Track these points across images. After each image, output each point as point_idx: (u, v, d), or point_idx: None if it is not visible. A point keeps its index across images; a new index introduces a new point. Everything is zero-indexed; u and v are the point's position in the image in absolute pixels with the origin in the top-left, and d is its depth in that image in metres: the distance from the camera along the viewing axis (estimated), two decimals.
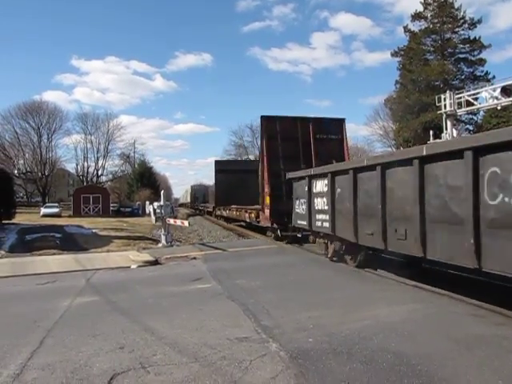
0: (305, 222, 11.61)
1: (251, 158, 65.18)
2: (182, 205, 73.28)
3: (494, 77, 41.78)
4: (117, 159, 70.55)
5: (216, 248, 14.32)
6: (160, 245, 15.67)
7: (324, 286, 8.14)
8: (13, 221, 25.69)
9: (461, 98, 28.16)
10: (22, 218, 29.34)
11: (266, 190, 15.45)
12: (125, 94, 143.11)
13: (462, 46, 44.72)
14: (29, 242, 16.66)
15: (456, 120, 34.35)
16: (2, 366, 4.38)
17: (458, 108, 28.37)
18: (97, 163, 68.75)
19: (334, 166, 10.21)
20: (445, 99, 28.51)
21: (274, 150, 15.60)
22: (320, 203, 10.55)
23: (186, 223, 16.45)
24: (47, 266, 10.94)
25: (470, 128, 44.27)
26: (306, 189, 11.32)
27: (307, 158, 15.22)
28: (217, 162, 32.29)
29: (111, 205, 47.00)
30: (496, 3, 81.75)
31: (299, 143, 15.75)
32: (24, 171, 62.97)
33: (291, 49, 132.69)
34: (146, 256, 12.43)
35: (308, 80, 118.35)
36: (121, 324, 5.79)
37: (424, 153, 6.50)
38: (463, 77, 45.22)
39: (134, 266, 11.02)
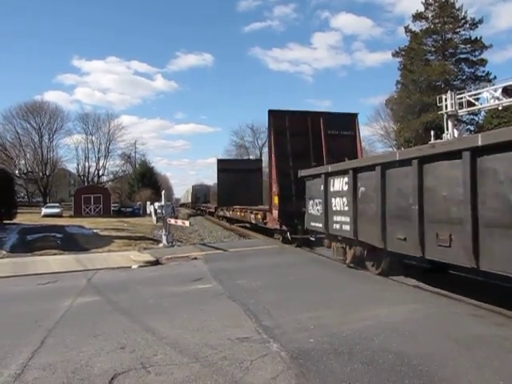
0: (320, 225, 10.59)
1: (252, 158, 65.14)
2: (182, 205, 73.27)
3: (495, 77, 41.78)
4: (118, 159, 70.70)
5: (217, 248, 14.33)
6: (161, 245, 15.68)
7: (325, 286, 8.14)
8: (14, 221, 25.73)
9: (462, 98, 28.13)
10: (23, 218, 29.37)
11: (274, 189, 14.47)
12: (126, 94, 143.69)
13: (463, 46, 44.66)
14: (30, 242, 16.68)
15: (457, 120, 34.33)
16: (3, 365, 4.40)
17: (459, 108, 28.33)
18: (98, 163, 68.88)
19: (357, 161, 9.32)
20: (446, 99, 28.48)
21: (282, 146, 14.58)
22: (338, 204, 9.57)
23: (186, 223, 16.47)
24: (48, 266, 10.96)
25: (471, 128, 44.21)
26: (322, 188, 10.30)
27: (318, 156, 14.23)
28: (219, 161, 31.31)
29: (112, 205, 47.01)
30: (497, 3, 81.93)
31: (309, 139, 14.80)
32: (25, 171, 63.00)
33: (292, 49, 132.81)
34: (147, 256, 12.44)
35: (309, 80, 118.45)
36: (122, 324, 5.80)
37: (479, 143, 5.50)
38: (464, 77, 45.17)
39: (134, 266, 11.03)
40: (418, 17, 45.81)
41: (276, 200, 14.30)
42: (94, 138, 68.02)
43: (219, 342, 4.90)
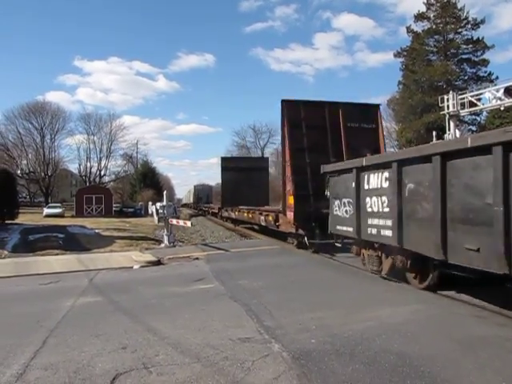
0: (349, 229, 9.18)
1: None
2: (184, 205, 73.31)
3: (497, 77, 41.67)
4: (119, 159, 70.75)
5: (218, 248, 14.32)
6: (162, 245, 15.69)
7: (326, 287, 8.14)
8: (16, 221, 25.77)
9: (464, 98, 28.06)
10: (25, 218, 29.41)
11: (289, 188, 13.16)
12: (127, 95, 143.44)
13: (465, 46, 44.58)
14: (32, 242, 16.71)
15: (459, 121, 34.20)
16: (5, 365, 4.40)
17: (461, 109, 28.27)
18: (99, 163, 68.96)
19: (403, 152, 7.97)
20: (448, 100, 28.42)
21: (297, 140, 13.21)
22: (376, 204, 8.12)
23: (188, 224, 16.47)
24: (50, 266, 10.98)
25: (474, 129, 44.13)
26: (353, 185, 8.85)
27: (337, 150, 13.03)
28: (223, 159, 30.17)
29: (114, 205, 47.01)
30: (499, 4, 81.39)
31: (327, 132, 13.45)
32: (27, 171, 63.14)
33: (294, 49, 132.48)
34: (149, 256, 12.45)
35: (310, 80, 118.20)
36: (123, 324, 5.80)
37: None
38: (466, 77, 45.08)
39: (136, 267, 11.05)
40: (419, 17, 45.75)
41: (291, 200, 13.01)
42: (95, 138, 68.22)
43: (221, 343, 4.91)
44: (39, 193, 67.00)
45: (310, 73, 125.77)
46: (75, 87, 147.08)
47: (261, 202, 23.28)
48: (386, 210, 7.76)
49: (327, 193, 10.47)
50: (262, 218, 16.86)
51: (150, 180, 56.52)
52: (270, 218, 15.58)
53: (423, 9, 45.53)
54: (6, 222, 24.56)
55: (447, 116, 28.94)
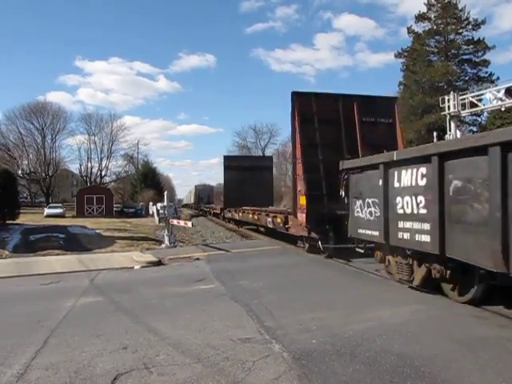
0: (375, 232, 8.15)
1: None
2: (185, 205, 73.32)
3: (498, 78, 41.64)
4: (120, 160, 70.70)
5: (219, 249, 14.33)
6: (163, 245, 15.70)
7: (327, 287, 8.14)
8: (16, 221, 25.75)
9: (465, 99, 28.07)
10: (26, 218, 29.42)
11: (300, 187, 12.20)
12: (128, 95, 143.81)
13: (465, 47, 44.56)
14: (33, 243, 16.73)
15: (460, 121, 34.15)
16: (6, 365, 4.41)
17: (462, 109, 28.28)
18: (100, 164, 68.94)
19: (447, 144, 6.84)
20: (448, 100, 28.44)
21: (309, 135, 12.32)
22: (409, 204, 7.08)
23: (189, 224, 16.46)
24: (51, 267, 10.99)
25: (474, 129, 44.11)
26: (380, 183, 7.85)
27: (351, 146, 12.17)
28: (226, 158, 29.16)
29: (115, 205, 47.01)
30: (500, 4, 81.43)
31: (341, 127, 12.66)
32: (28, 172, 63.14)
33: (295, 50, 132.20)
34: (150, 257, 12.46)
35: (311, 81, 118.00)
36: (124, 324, 5.81)
37: None
38: (467, 78, 45.07)
39: (137, 267, 11.05)
40: (420, 18, 45.75)
41: (303, 201, 12.03)
42: (96, 138, 68.18)
43: (221, 343, 4.91)
44: (40, 193, 66.96)
45: (310, 73, 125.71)
46: (76, 87, 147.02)
47: (265, 202, 22.81)
48: (423, 211, 6.75)
49: (342, 193, 9.65)
50: (270, 219, 15.91)
51: (150, 180, 56.49)
52: (279, 220, 14.54)
53: (424, 9, 45.57)
54: (7, 222, 24.54)
55: (448, 117, 28.96)
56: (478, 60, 44.50)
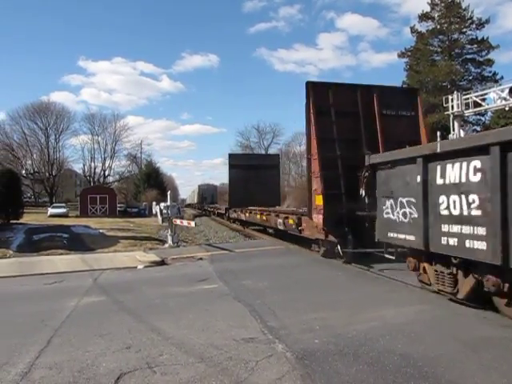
0: (410, 237, 7.11)
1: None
2: (188, 205, 73.34)
3: (502, 77, 41.46)
4: (124, 160, 71.02)
5: (222, 249, 14.34)
6: (166, 245, 15.73)
7: (330, 287, 8.13)
8: (20, 221, 25.87)
9: (468, 98, 27.99)
10: (30, 218, 29.53)
11: (316, 186, 11.22)
12: (132, 95, 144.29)
13: (469, 46, 44.41)
14: (36, 242, 16.78)
15: (463, 121, 34.11)
16: (10, 364, 4.43)
17: (466, 109, 28.20)
18: (104, 164, 69.23)
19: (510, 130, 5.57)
20: (452, 100, 28.36)
21: (325, 129, 11.27)
22: (457, 205, 6.04)
23: (192, 224, 16.49)
24: (54, 266, 11.02)
25: (478, 129, 43.93)
26: (418, 179, 6.83)
27: (371, 141, 11.21)
28: (231, 156, 27.89)
29: (118, 205, 47.19)
30: (504, 3, 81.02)
31: (360, 120, 11.70)
32: (32, 171, 63.45)
33: (298, 50, 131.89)
34: (153, 256, 12.49)
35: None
36: (127, 324, 5.82)
37: None
38: (471, 77, 44.89)
39: (140, 267, 11.07)
40: (424, 17, 45.61)
41: (319, 201, 11.01)
42: (99, 138, 68.47)
43: (224, 343, 4.91)
44: (44, 193, 67.25)
45: (314, 73, 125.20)
46: (79, 87, 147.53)
47: (271, 202, 22.37)
48: (476, 213, 5.71)
49: (362, 192, 8.90)
50: (280, 220, 14.74)
51: (153, 180, 56.58)
52: (291, 222, 13.44)
53: (427, 9, 45.44)
54: (11, 221, 24.65)
55: (452, 116, 28.89)
56: (481, 59, 44.33)
